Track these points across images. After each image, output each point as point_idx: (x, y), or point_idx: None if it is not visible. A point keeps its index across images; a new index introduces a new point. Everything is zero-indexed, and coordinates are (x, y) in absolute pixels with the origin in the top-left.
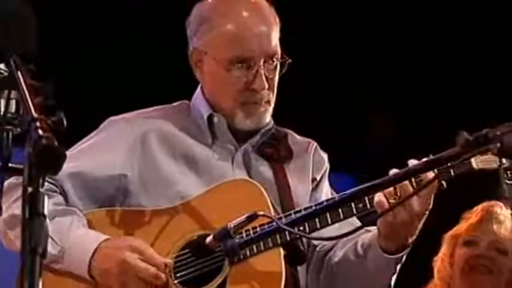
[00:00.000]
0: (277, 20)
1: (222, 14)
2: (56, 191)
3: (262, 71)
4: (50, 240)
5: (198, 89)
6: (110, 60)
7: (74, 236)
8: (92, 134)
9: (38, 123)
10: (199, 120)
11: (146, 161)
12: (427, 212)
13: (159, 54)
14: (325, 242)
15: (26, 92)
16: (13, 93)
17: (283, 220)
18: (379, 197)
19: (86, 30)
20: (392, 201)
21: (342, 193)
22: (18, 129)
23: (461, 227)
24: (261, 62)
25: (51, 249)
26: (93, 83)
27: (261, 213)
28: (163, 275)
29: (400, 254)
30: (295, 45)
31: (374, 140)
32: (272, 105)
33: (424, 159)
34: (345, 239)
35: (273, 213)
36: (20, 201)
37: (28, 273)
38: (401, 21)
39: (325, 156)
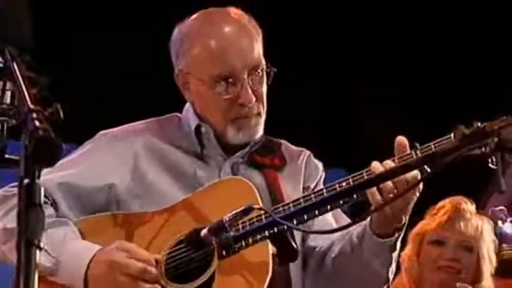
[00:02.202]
0: (259, 31)
1: (202, 32)
2: (46, 202)
3: (247, 85)
4: (43, 252)
5: (188, 103)
6: (107, 53)
7: (68, 248)
8: (81, 146)
9: (34, 115)
10: (189, 132)
11: (135, 174)
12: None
13: (157, 49)
14: (324, 242)
15: (22, 83)
16: (8, 85)
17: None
18: (374, 195)
19: (84, 22)
20: (391, 195)
21: (329, 184)
22: (13, 121)
23: (427, 224)
24: (245, 75)
25: (45, 261)
26: (90, 76)
27: (257, 206)
28: (152, 269)
29: (394, 237)
30: (288, 44)
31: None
32: (263, 116)
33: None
34: (341, 233)
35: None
36: (12, 213)
37: (24, 265)
38: (399, 19)
39: (319, 164)
